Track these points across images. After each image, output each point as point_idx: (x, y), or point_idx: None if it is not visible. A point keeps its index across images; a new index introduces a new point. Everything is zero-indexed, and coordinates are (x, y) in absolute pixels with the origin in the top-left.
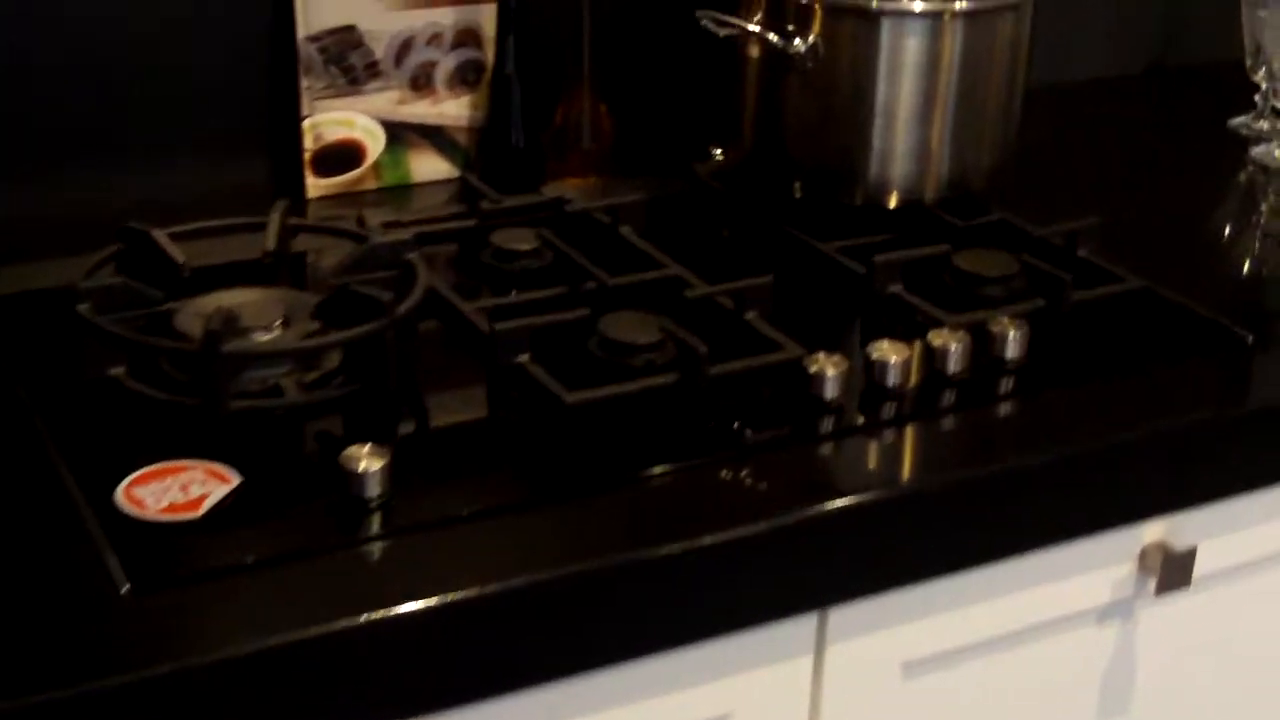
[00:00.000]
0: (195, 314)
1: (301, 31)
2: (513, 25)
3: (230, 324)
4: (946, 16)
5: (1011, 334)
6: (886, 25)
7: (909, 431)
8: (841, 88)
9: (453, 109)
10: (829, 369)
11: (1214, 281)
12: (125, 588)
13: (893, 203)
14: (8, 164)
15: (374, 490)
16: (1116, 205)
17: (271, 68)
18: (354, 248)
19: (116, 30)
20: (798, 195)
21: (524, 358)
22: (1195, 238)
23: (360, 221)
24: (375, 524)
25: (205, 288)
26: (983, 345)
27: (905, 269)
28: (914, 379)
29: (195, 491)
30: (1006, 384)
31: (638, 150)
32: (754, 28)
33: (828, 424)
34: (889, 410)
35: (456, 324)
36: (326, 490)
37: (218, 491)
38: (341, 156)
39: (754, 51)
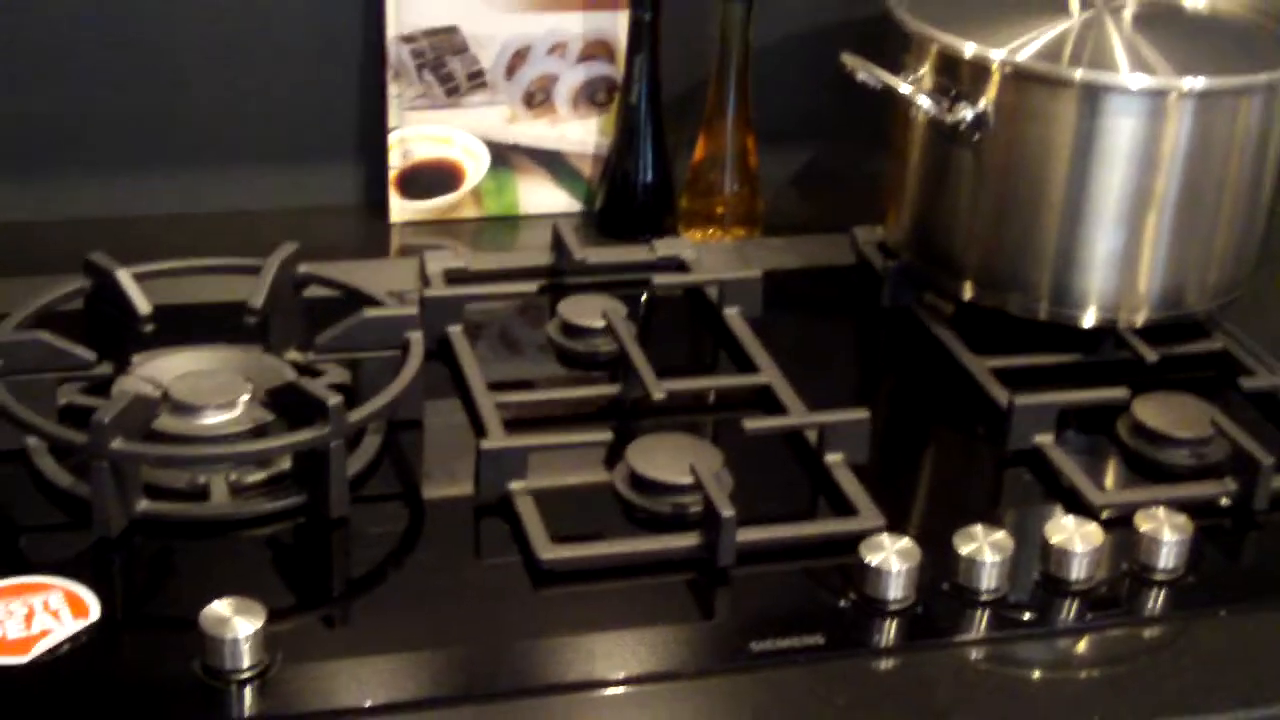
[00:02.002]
0: (140, 380)
1: (392, 30)
2: (647, 40)
3: (153, 405)
4: (1173, 97)
5: (1166, 535)
6: (1087, 100)
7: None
8: (1020, 172)
9: (576, 132)
10: (893, 560)
11: None
12: None
13: (1083, 321)
14: (77, 166)
15: (241, 661)
16: None
17: (362, 68)
18: (350, 317)
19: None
20: (963, 295)
21: (517, 485)
22: None
23: (424, 262)
24: (240, 705)
25: (176, 339)
26: (1125, 545)
27: (1065, 415)
28: (1032, 581)
29: (38, 625)
30: (1145, 602)
31: (793, 203)
32: (905, 87)
33: (882, 634)
34: (961, 624)
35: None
36: (197, 648)
37: (62, 629)
38: (435, 178)
39: (919, 112)
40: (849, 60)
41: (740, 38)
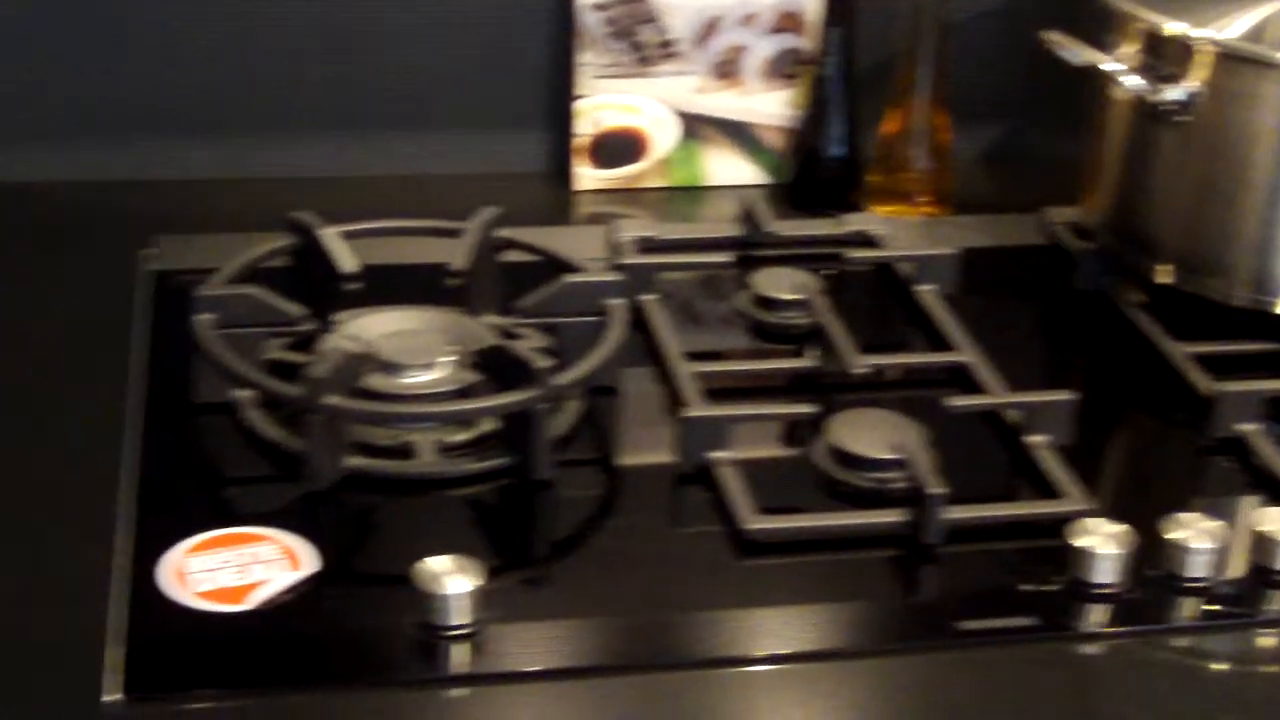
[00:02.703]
0: (345, 339)
1: None
2: (843, 12)
3: (365, 363)
4: None
5: None
6: None
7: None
8: (1227, 154)
9: (764, 104)
10: (1106, 544)
11: None
12: (114, 695)
13: None
14: (278, 128)
15: (456, 617)
16: None
17: (552, 35)
18: (552, 283)
19: None
20: (1161, 279)
21: (717, 455)
22: None
23: (614, 230)
24: (452, 664)
25: (376, 298)
26: None
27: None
28: (1240, 571)
29: (255, 575)
30: None
31: (982, 181)
32: (1113, 65)
33: (1094, 618)
34: (1174, 611)
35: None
36: (408, 603)
37: (280, 579)
38: (620, 146)
39: (1121, 92)
40: (1054, 38)
41: (936, 13)
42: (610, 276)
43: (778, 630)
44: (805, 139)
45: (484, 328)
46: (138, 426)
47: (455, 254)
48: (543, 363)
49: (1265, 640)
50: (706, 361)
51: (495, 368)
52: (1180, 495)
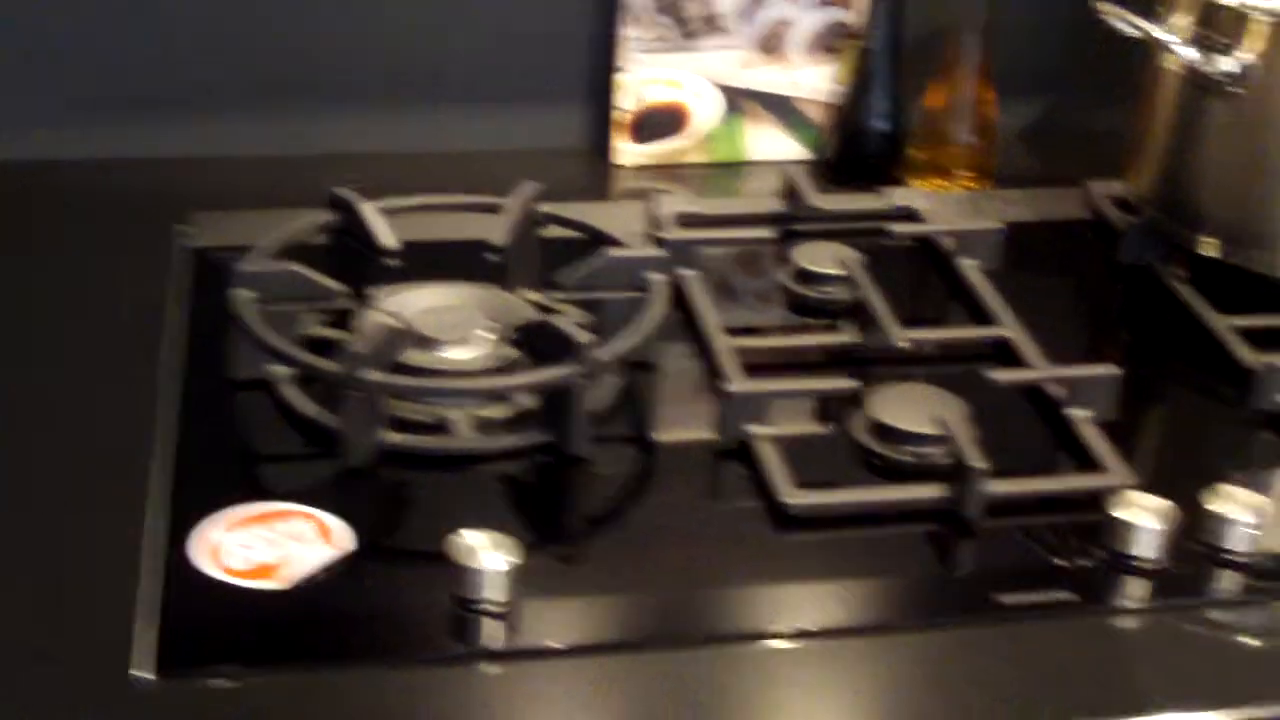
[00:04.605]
0: (384, 315)
1: None
2: None
3: (404, 339)
4: None
5: None
6: None
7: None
8: (1276, 126)
9: (808, 78)
10: (1148, 518)
11: None
12: (146, 672)
13: None
14: (316, 102)
15: (495, 593)
16: None
17: (597, 9)
18: (592, 257)
19: None
20: (1206, 251)
21: (757, 429)
22: None
23: (655, 205)
24: (486, 640)
25: (415, 275)
26: None
27: None
28: (1268, 547)
29: (289, 551)
30: None
31: (1024, 155)
32: (1166, 35)
33: (1136, 592)
34: (1216, 585)
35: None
36: (445, 578)
37: (315, 556)
38: (662, 121)
39: (1171, 63)
40: (1106, 7)
41: None
42: (650, 251)
43: (815, 605)
44: (848, 113)
45: (523, 303)
46: (174, 403)
47: (495, 230)
48: (582, 338)
49: None
50: (746, 337)
51: (534, 343)
52: (1223, 469)
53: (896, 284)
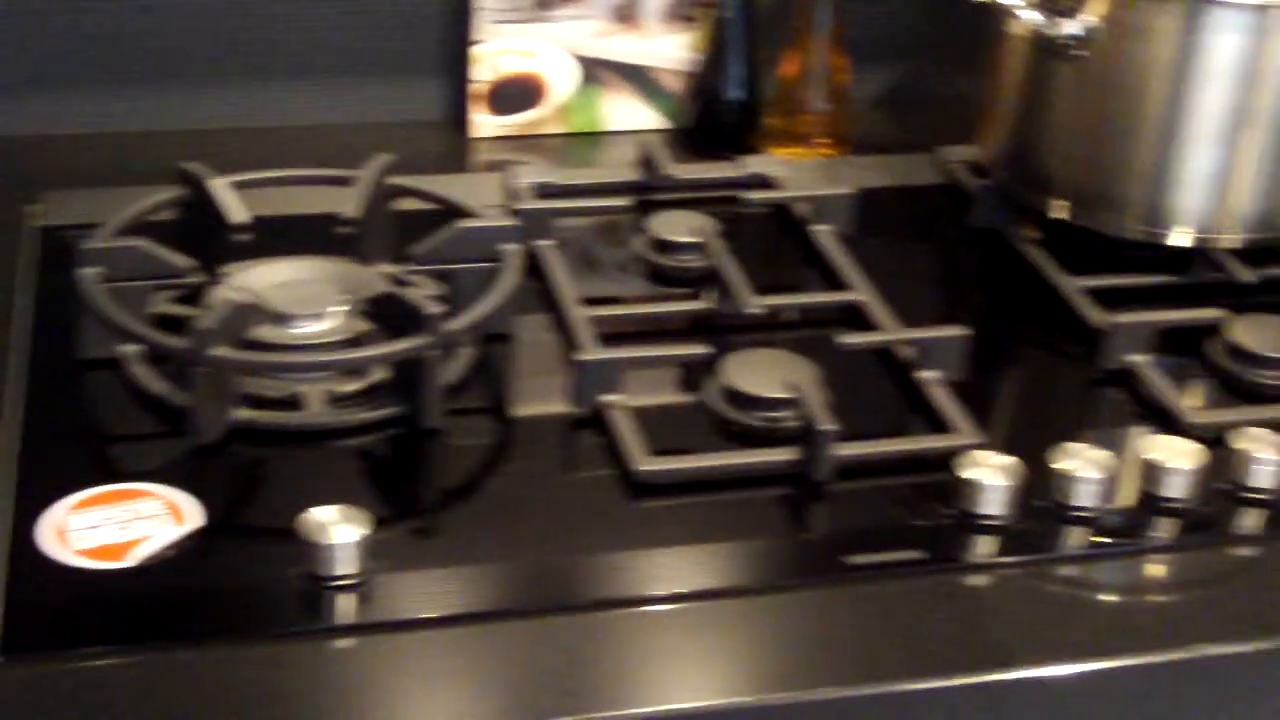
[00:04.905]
0: (233, 290)
1: None
2: None
3: (253, 314)
4: (1277, 13)
5: (1265, 454)
6: (1194, 15)
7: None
8: (1123, 88)
9: (663, 48)
10: (995, 476)
11: None
12: None
13: (1173, 240)
14: (166, 78)
15: (346, 567)
16: None
17: None
18: (445, 229)
19: None
20: (1055, 214)
21: (610, 398)
22: None
23: (511, 176)
24: (339, 614)
25: (266, 250)
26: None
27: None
28: (1129, 500)
29: (138, 531)
30: (1242, 521)
31: (880, 122)
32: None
33: (982, 549)
34: (1061, 541)
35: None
36: (296, 555)
37: (163, 535)
38: (519, 92)
39: (1018, 27)
40: None
41: None
42: (504, 221)
43: (670, 570)
44: (704, 82)
45: (376, 276)
46: (21, 384)
47: (347, 203)
48: (433, 309)
49: (1153, 568)
50: (602, 306)
51: (386, 316)
52: (1070, 427)
53: (752, 251)
